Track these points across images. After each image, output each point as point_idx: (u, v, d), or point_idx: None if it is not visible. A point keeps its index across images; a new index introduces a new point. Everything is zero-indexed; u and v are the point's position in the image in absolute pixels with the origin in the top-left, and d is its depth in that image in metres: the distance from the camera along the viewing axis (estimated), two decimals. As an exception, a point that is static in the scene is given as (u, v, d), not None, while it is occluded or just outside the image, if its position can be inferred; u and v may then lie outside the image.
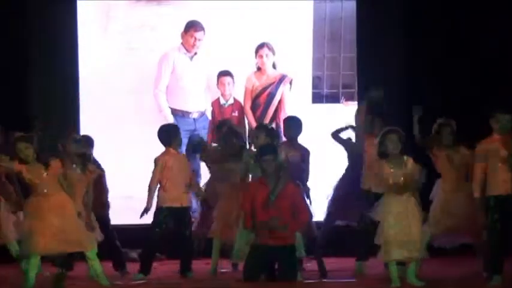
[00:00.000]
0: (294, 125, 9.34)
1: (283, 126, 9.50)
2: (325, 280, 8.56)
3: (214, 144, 9.80)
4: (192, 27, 10.88)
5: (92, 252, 8.14)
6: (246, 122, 10.92)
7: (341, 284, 8.23)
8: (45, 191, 7.95)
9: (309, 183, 9.27)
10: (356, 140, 9.41)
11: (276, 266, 8.32)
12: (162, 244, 9.23)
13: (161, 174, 8.83)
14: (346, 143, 9.49)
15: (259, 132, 8.99)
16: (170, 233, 8.91)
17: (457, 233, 8.49)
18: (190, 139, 10.54)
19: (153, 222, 8.84)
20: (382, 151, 8.00)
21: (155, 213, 8.85)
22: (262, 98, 10.92)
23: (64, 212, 7.97)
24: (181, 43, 10.92)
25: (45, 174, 7.95)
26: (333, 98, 11.14)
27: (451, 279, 8.35)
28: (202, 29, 10.88)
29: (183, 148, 9.92)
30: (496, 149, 8.01)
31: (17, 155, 7.92)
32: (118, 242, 9.19)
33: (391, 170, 7.93)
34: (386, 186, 7.98)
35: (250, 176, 8.86)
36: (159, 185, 8.87)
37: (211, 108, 10.98)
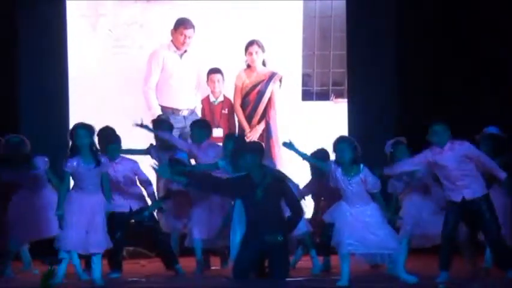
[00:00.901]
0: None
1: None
2: (317, 278, 8.53)
3: None
4: (181, 24, 10.87)
5: (97, 256, 8.06)
6: (236, 119, 10.94)
7: (334, 281, 8.18)
8: (87, 186, 7.91)
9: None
10: None
11: (267, 264, 8.31)
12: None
13: None
14: None
15: (227, 141, 8.86)
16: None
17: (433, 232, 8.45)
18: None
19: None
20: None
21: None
22: (252, 96, 10.92)
23: (95, 211, 7.91)
24: (171, 41, 10.91)
25: (92, 169, 7.89)
26: (323, 96, 11.14)
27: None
28: (192, 26, 10.87)
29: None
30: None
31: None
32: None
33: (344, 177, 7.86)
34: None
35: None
36: None
37: (201, 106, 10.96)
